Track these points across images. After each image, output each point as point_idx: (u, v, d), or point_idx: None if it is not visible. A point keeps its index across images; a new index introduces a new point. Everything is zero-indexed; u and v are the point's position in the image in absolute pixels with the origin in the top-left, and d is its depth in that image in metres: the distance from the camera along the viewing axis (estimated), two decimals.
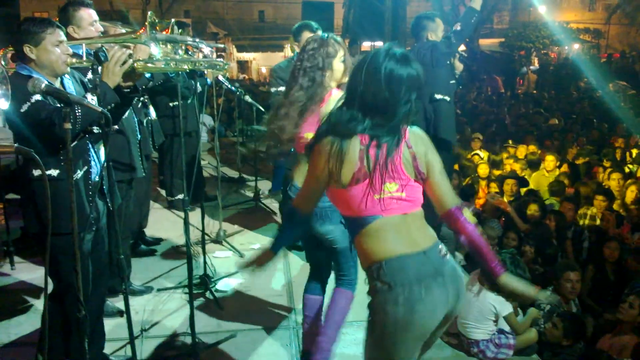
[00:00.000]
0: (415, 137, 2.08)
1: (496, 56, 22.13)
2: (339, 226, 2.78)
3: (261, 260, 2.40)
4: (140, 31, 2.70)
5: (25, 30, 2.57)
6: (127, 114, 3.60)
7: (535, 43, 21.33)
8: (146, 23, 2.66)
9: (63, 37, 2.65)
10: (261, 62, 29.98)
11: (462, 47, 4.70)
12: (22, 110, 2.45)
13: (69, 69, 2.70)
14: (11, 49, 2.94)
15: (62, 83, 2.72)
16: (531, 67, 20.04)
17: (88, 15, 3.21)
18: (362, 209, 2.03)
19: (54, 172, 2.60)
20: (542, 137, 8.98)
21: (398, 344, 2.04)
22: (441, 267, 2.03)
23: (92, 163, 2.79)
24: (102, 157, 2.84)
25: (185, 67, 3.22)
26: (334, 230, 2.79)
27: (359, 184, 2.01)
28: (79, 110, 2.36)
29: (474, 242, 2.11)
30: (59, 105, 2.40)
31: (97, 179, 2.82)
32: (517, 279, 2.17)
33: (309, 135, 2.73)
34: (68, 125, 2.22)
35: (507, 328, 3.42)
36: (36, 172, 2.60)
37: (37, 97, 2.43)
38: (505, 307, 3.33)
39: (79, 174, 2.69)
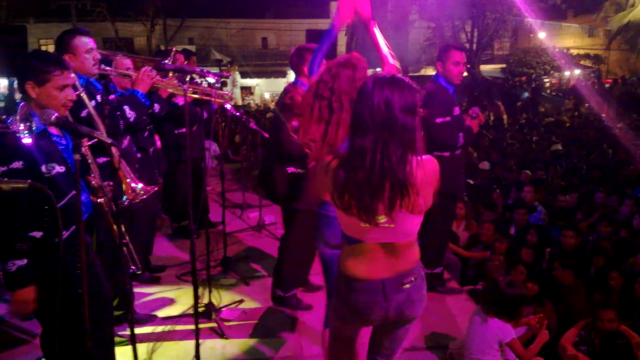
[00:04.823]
0: (423, 169, 2.02)
1: (497, 82, 22.25)
2: None
3: None
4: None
5: (31, 66, 2.41)
6: (127, 143, 3.64)
7: (537, 69, 21.42)
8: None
9: (71, 81, 2.53)
10: (264, 88, 30.25)
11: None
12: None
13: (67, 113, 2.57)
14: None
15: None
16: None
17: (83, 43, 3.21)
18: (350, 233, 2.20)
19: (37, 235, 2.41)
20: (547, 163, 8.94)
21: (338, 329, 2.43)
22: (392, 294, 2.19)
23: (83, 195, 2.63)
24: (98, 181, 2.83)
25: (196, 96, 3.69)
26: None
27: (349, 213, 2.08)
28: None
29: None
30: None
31: (86, 215, 2.66)
32: None
33: None
34: (77, 157, 2.24)
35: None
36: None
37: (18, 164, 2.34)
38: (508, 333, 3.29)
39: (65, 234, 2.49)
